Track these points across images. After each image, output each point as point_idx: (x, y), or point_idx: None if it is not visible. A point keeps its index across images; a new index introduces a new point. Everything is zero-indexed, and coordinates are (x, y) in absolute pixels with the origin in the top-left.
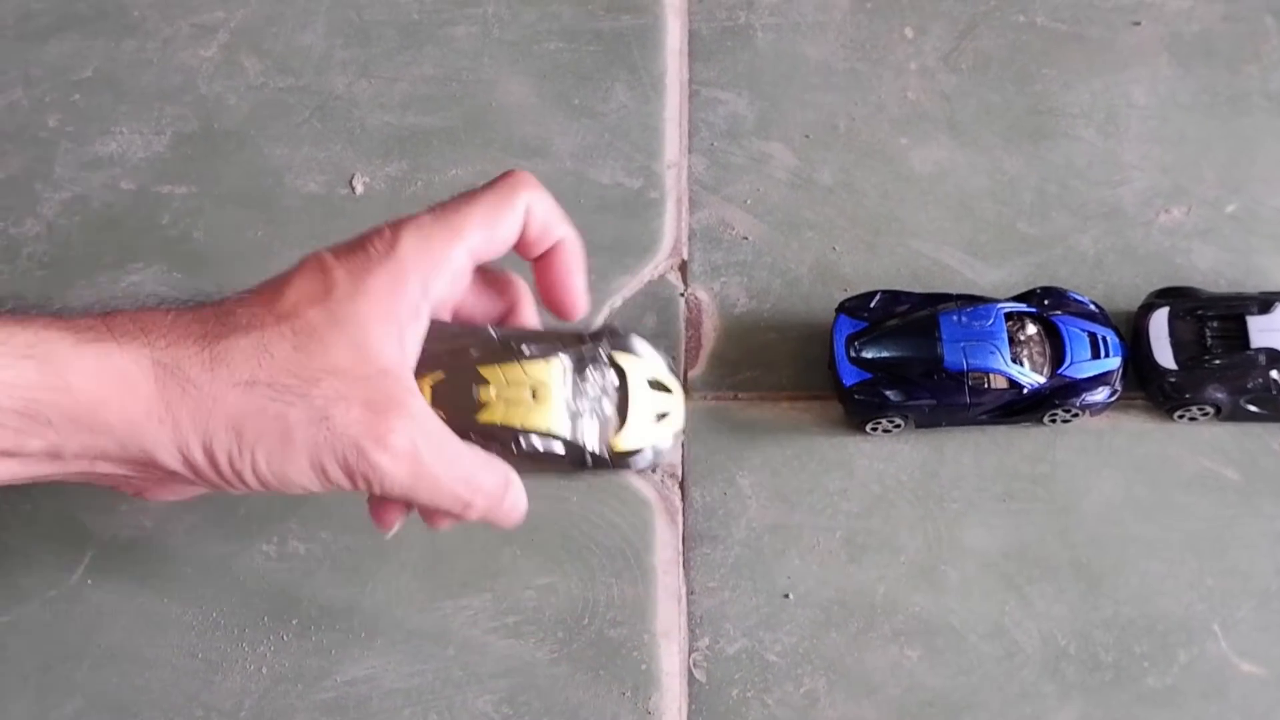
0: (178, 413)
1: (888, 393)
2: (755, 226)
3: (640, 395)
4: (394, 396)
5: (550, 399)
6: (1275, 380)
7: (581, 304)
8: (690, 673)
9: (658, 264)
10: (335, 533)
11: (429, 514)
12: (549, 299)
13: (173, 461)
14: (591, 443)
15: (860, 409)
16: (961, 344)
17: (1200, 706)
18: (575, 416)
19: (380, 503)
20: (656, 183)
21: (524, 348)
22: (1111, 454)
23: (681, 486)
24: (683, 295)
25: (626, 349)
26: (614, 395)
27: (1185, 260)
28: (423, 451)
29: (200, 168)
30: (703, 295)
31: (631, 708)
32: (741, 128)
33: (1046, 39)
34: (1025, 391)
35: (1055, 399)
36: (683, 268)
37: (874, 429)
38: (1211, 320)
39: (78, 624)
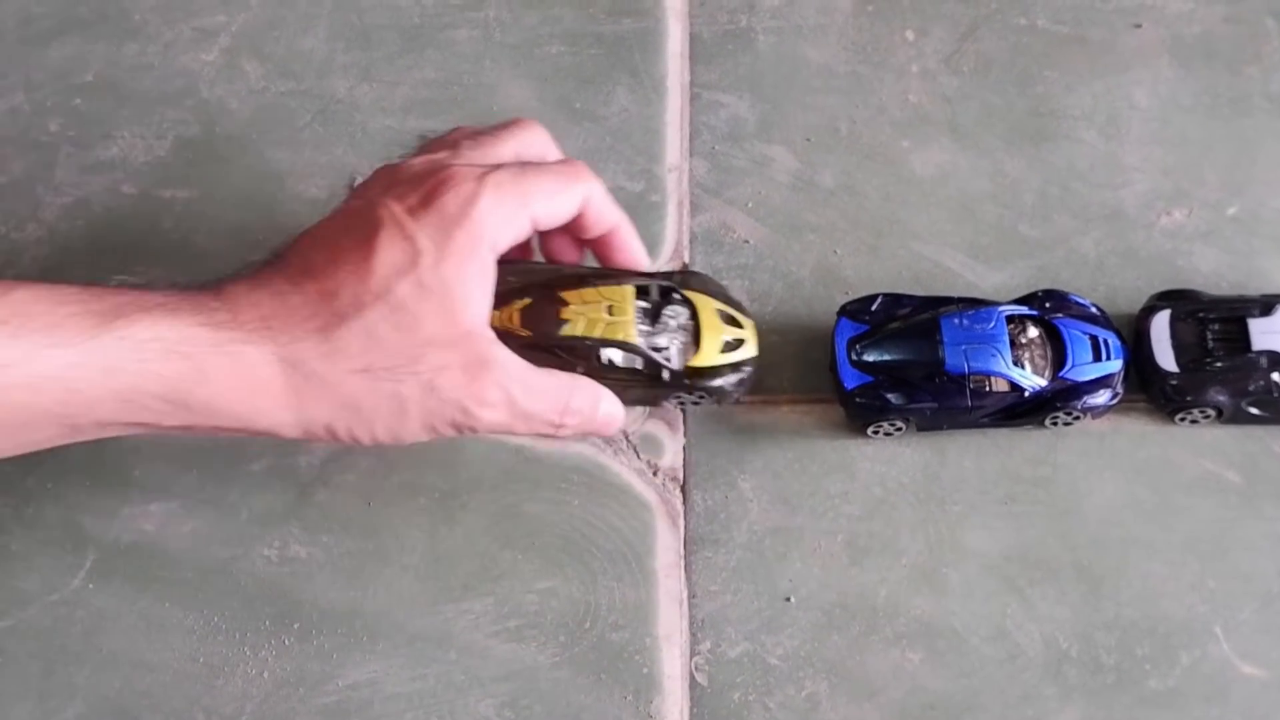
0: (303, 400)
1: (889, 396)
2: (756, 229)
3: (711, 323)
4: (483, 355)
5: (625, 314)
6: (1277, 383)
7: (643, 261)
8: (692, 676)
9: (659, 267)
10: (337, 536)
11: None
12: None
13: (294, 434)
14: (666, 358)
15: (862, 412)
16: (963, 347)
17: (1202, 709)
18: (650, 335)
19: None
20: (658, 186)
21: (598, 276)
22: (1113, 456)
23: (683, 490)
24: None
25: (697, 285)
26: (687, 323)
27: (1187, 262)
28: (516, 395)
29: (202, 172)
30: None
31: (633, 711)
32: (743, 131)
33: (1048, 41)
34: (1027, 394)
35: (1057, 402)
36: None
37: (875, 432)
38: (1213, 323)
39: (79, 628)
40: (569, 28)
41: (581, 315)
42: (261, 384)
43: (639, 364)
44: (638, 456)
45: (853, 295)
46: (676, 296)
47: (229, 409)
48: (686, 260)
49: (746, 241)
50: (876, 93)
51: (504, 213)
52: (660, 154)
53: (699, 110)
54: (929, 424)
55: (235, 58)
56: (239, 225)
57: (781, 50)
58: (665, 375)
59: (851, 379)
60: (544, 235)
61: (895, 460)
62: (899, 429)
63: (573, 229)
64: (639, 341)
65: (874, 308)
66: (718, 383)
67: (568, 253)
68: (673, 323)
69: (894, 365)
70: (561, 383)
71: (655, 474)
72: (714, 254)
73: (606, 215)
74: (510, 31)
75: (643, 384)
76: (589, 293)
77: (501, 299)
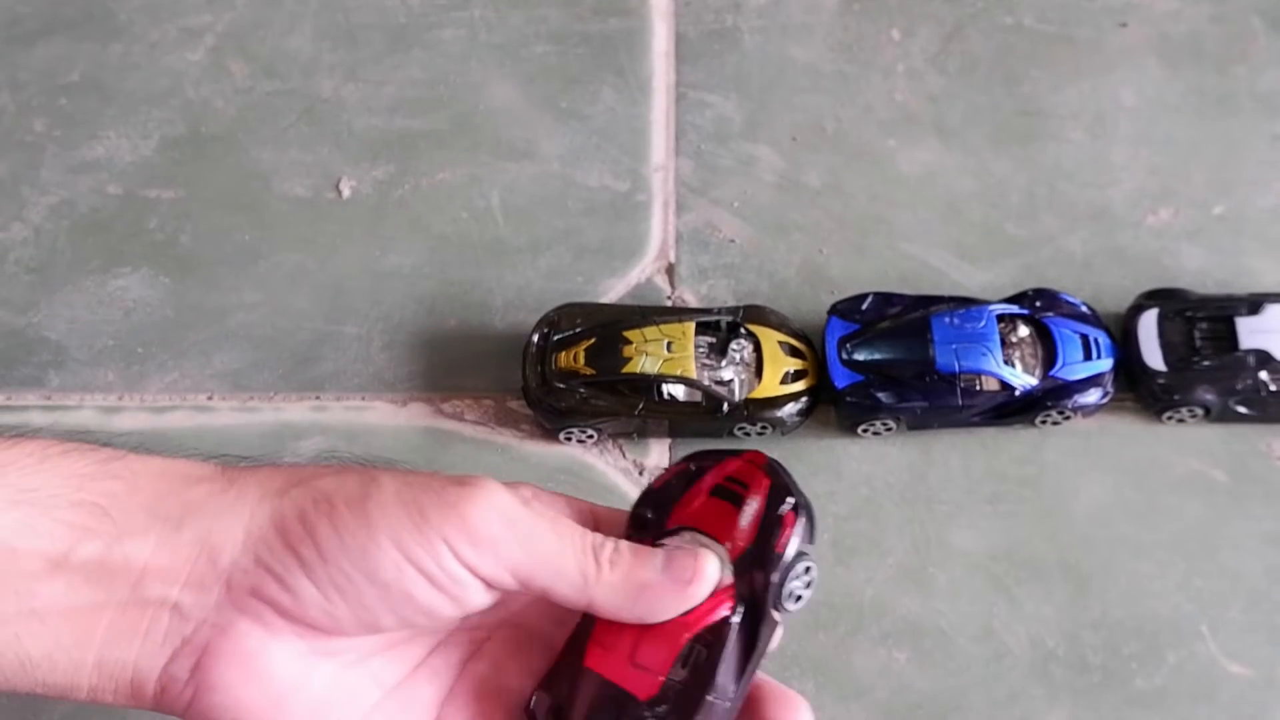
0: (243, 482)
1: (880, 395)
2: (742, 229)
3: (773, 355)
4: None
5: (686, 350)
6: (1264, 381)
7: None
8: None
9: (645, 267)
10: None
11: None
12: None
13: (236, 534)
14: (727, 391)
15: (852, 411)
16: (953, 346)
17: (1189, 708)
18: (714, 369)
19: None
20: (644, 185)
21: (660, 314)
22: (1100, 456)
23: None
24: (670, 299)
25: (761, 320)
26: (750, 357)
27: (1174, 261)
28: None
29: (187, 171)
30: (690, 298)
31: None
32: (729, 130)
33: (1034, 40)
34: (1017, 393)
35: (1047, 400)
36: (670, 270)
37: (865, 431)
38: (1201, 322)
39: None
40: (555, 27)
41: (643, 352)
42: None
43: (699, 397)
44: (624, 456)
45: (839, 295)
46: (742, 331)
47: None
48: (672, 259)
49: (732, 241)
50: (862, 92)
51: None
52: (646, 153)
53: (685, 110)
54: (920, 423)
55: (221, 57)
56: (224, 224)
57: (767, 50)
58: (725, 408)
59: (842, 378)
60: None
61: (882, 460)
62: (889, 428)
63: None
64: (699, 376)
65: (864, 307)
66: (778, 413)
67: None
68: (737, 356)
69: (885, 364)
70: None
71: (641, 473)
72: (700, 253)
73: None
74: (496, 31)
75: (704, 416)
76: (651, 330)
77: (568, 341)
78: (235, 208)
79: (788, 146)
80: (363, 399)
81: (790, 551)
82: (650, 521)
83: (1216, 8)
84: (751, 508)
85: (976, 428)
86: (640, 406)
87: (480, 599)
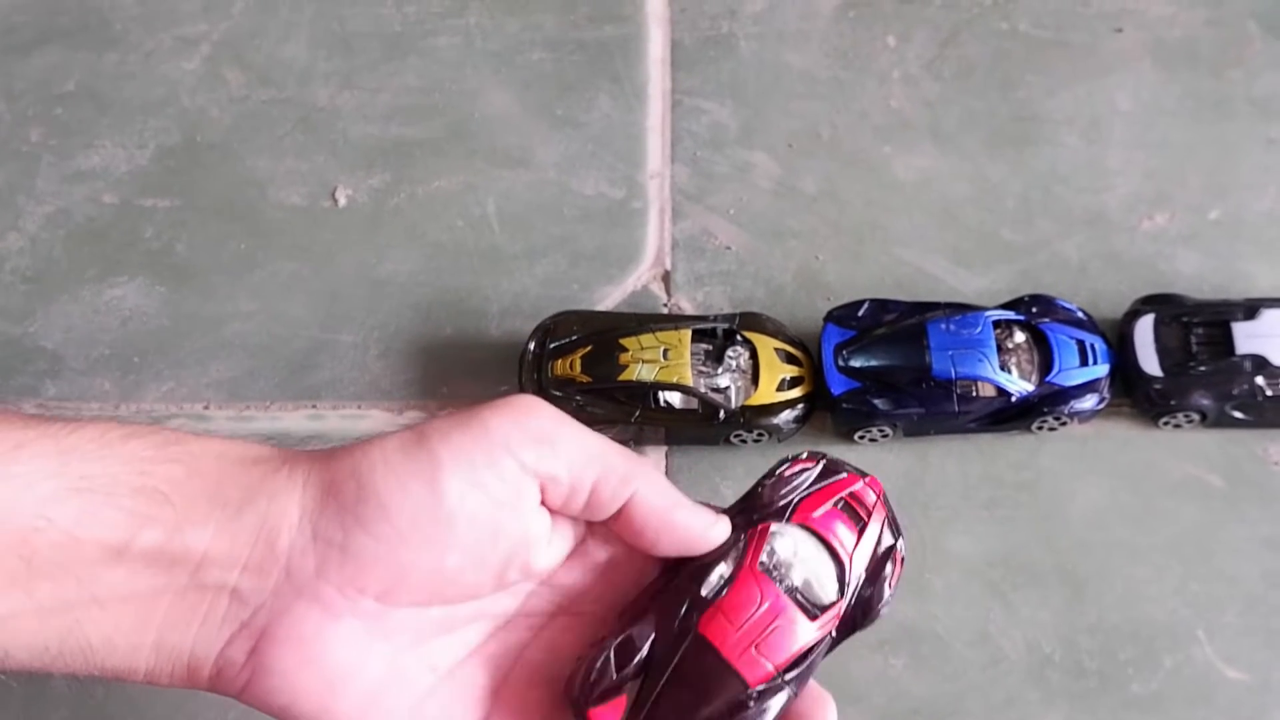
0: (296, 459)
1: (876, 401)
2: (738, 236)
3: (770, 362)
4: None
5: (682, 357)
6: (1260, 386)
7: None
8: None
9: (641, 274)
10: None
11: None
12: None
13: (293, 512)
14: (723, 398)
15: (848, 418)
16: (950, 352)
17: (1186, 712)
18: (711, 376)
19: None
20: (639, 192)
21: (656, 321)
22: (1096, 461)
23: None
24: (666, 306)
25: (757, 327)
26: (747, 364)
27: (1169, 266)
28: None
29: (183, 180)
30: (686, 305)
31: None
32: (724, 137)
33: (1029, 46)
34: (1014, 399)
35: (1044, 406)
36: (666, 278)
37: (862, 438)
38: (1197, 327)
39: None
40: (550, 34)
41: (639, 360)
42: None
43: (695, 404)
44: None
45: (835, 301)
46: (738, 338)
47: None
48: (668, 266)
49: (728, 248)
50: (858, 98)
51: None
52: (642, 160)
53: (680, 116)
54: (916, 429)
55: (217, 66)
56: (220, 233)
57: (763, 56)
58: (721, 415)
59: (838, 385)
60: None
61: (878, 466)
62: (885, 435)
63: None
64: (694, 383)
65: (860, 313)
66: (774, 420)
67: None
68: (734, 363)
69: (881, 371)
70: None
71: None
72: (696, 260)
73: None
74: (492, 38)
75: (700, 424)
76: (647, 338)
77: (565, 349)
78: (231, 216)
79: (784, 153)
80: (359, 407)
81: (895, 590)
82: (769, 505)
83: (1212, 12)
84: (872, 535)
85: (973, 434)
86: (636, 414)
87: (539, 522)
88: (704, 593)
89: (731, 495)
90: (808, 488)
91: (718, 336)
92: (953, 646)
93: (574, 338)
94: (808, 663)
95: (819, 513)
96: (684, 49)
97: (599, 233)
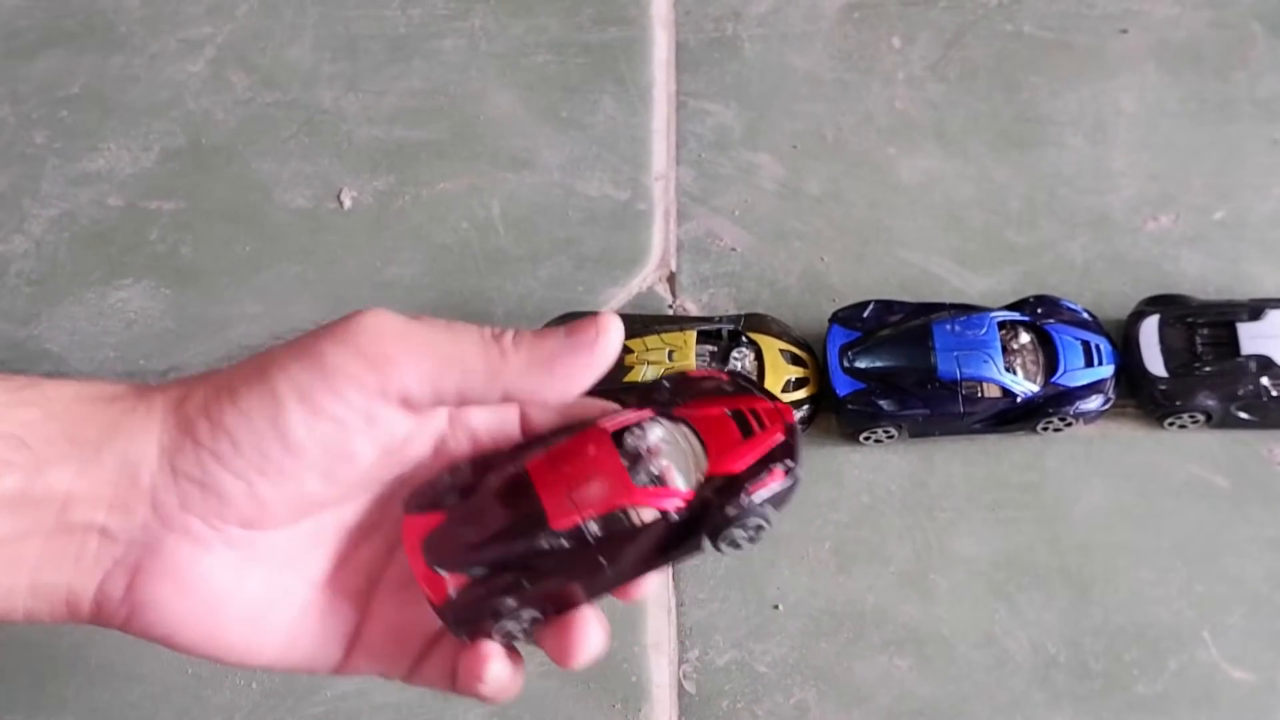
0: (151, 398)
1: (881, 402)
2: (743, 237)
3: (775, 363)
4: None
5: (687, 358)
6: (1266, 387)
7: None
8: (680, 684)
9: (646, 276)
10: None
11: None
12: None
13: (153, 455)
14: None
15: (854, 419)
16: (955, 353)
17: (1190, 714)
18: None
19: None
20: (644, 194)
21: (661, 323)
22: (1101, 462)
23: None
24: (671, 307)
25: (762, 328)
26: (751, 365)
27: (1174, 267)
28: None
29: (188, 183)
30: (691, 307)
31: (622, 719)
32: (729, 139)
33: (1034, 47)
34: (1019, 400)
35: (1049, 407)
36: (671, 279)
37: (867, 439)
38: (1202, 327)
39: (67, 640)
40: (555, 37)
41: (644, 361)
42: None
43: None
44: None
45: (840, 302)
46: (743, 339)
47: None
48: (673, 268)
49: (733, 249)
50: (863, 100)
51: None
52: (647, 162)
53: (685, 118)
54: (921, 430)
55: (221, 69)
56: (225, 236)
57: (768, 58)
58: None
59: (843, 386)
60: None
61: (883, 467)
62: (891, 436)
63: None
64: None
65: (866, 315)
66: None
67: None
68: (739, 365)
69: (886, 372)
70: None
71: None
72: (701, 262)
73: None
74: (496, 41)
75: None
76: (652, 339)
77: None
78: (236, 219)
79: (788, 154)
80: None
81: (758, 500)
82: (664, 397)
83: (1216, 13)
84: (754, 448)
85: (978, 435)
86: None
87: (400, 426)
88: (545, 439)
89: None
90: (708, 392)
91: (723, 338)
92: (958, 648)
93: None
94: (624, 531)
95: (704, 412)
96: (688, 51)
97: (604, 235)
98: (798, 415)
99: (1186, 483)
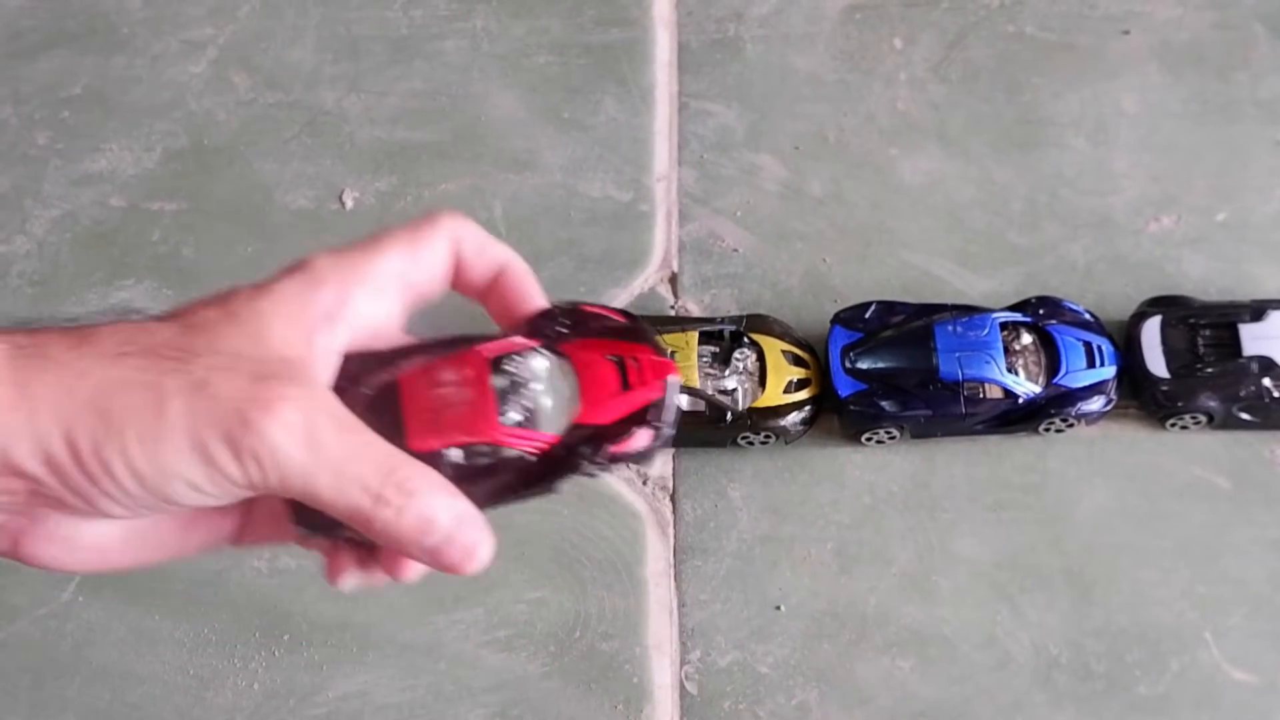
0: (35, 395)
1: (883, 403)
2: (745, 238)
3: (777, 364)
4: (291, 374)
5: (689, 360)
6: (1268, 388)
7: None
8: (682, 685)
9: (648, 277)
10: None
11: (391, 562)
12: (510, 321)
13: (32, 461)
14: (731, 400)
15: (856, 420)
16: (957, 354)
17: (1192, 715)
18: (718, 379)
19: (334, 553)
20: (646, 195)
21: (664, 324)
22: (1103, 463)
23: (672, 499)
24: (673, 308)
25: (764, 329)
26: (754, 366)
27: (1176, 269)
28: (321, 430)
29: (190, 184)
30: (693, 308)
31: None
32: (731, 140)
33: (1036, 48)
34: (1021, 401)
35: (1051, 408)
36: (673, 280)
37: (869, 439)
38: (1204, 328)
39: (69, 641)
40: (557, 38)
41: None
42: None
43: (703, 407)
44: (627, 466)
45: (842, 304)
46: (745, 340)
47: None
48: (675, 269)
49: (735, 250)
50: (865, 101)
51: (349, 268)
52: (649, 163)
53: (687, 119)
54: (923, 431)
55: (223, 70)
56: (227, 237)
57: (770, 59)
58: (729, 417)
59: (845, 387)
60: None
61: (885, 468)
62: (893, 437)
63: (457, 286)
64: (702, 385)
65: (867, 315)
66: (781, 422)
67: None
68: (741, 366)
69: (888, 373)
70: (398, 453)
71: (645, 483)
72: (703, 263)
73: (487, 256)
74: (498, 42)
75: (708, 426)
76: None
77: None
78: (238, 220)
79: (790, 156)
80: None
81: (619, 456)
82: (552, 329)
83: (1218, 15)
84: (628, 402)
85: (980, 435)
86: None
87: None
88: (428, 347)
89: (739, 499)
90: (599, 331)
91: (725, 339)
92: (960, 649)
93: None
94: (481, 464)
95: (588, 354)
96: (690, 52)
97: (606, 236)
98: (799, 416)
99: (1188, 484)
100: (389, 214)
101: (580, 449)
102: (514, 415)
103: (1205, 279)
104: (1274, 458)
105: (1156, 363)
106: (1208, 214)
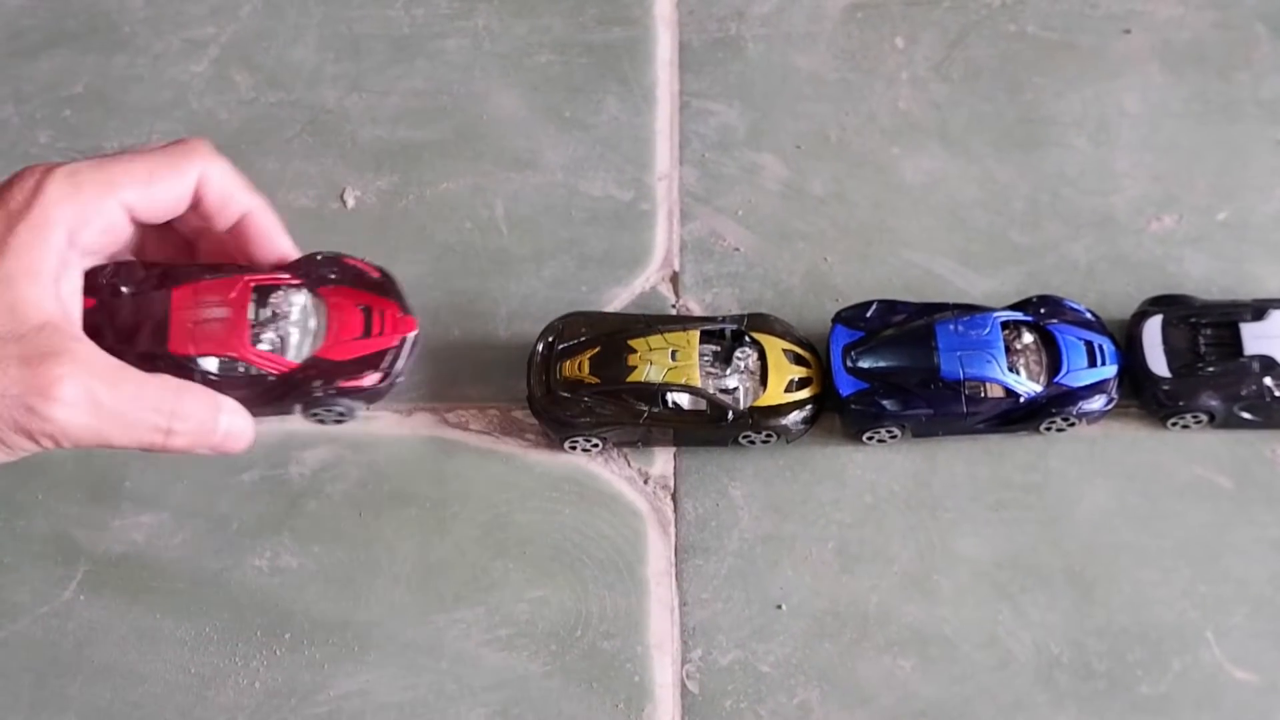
0: None
1: (885, 403)
2: (747, 237)
3: (778, 363)
4: (54, 347)
5: (690, 358)
6: (1269, 387)
7: (289, 253)
8: (683, 684)
9: (649, 276)
10: (327, 546)
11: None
12: (249, 262)
13: None
14: (732, 399)
15: (857, 419)
16: (958, 353)
17: (1194, 714)
18: (719, 378)
19: None
20: (648, 194)
21: (665, 323)
22: (1104, 462)
23: (673, 497)
24: (674, 307)
25: (765, 328)
26: (755, 365)
27: (1177, 268)
28: (98, 392)
29: None
30: (694, 307)
31: None
32: (732, 139)
33: (1037, 48)
34: (1022, 400)
35: (1052, 407)
36: (674, 279)
37: (870, 439)
38: (1205, 328)
39: (70, 640)
40: (558, 37)
41: (648, 361)
42: None
43: (704, 406)
44: (628, 464)
45: (843, 303)
46: (746, 339)
47: None
48: (677, 268)
49: (737, 249)
50: (866, 100)
51: (80, 204)
52: (650, 162)
53: (689, 118)
54: (924, 430)
55: (225, 68)
56: None
57: (771, 58)
58: (730, 416)
59: (847, 386)
60: (153, 232)
61: (886, 467)
62: (894, 436)
63: (199, 218)
64: (703, 384)
65: (869, 314)
66: (783, 421)
67: (176, 253)
68: (742, 365)
69: (889, 372)
70: (166, 385)
71: (646, 482)
72: (704, 262)
73: (234, 200)
74: (500, 41)
75: (709, 425)
76: (655, 339)
77: (573, 350)
78: None
79: (792, 155)
80: (368, 409)
81: (346, 390)
82: (315, 272)
83: (1220, 14)
84: (366, 347)
85: (981, 435)
86: (645, 415)
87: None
88: (205, 269)
89: (740, 498)
90: (354, 282)
91: (726, 338)
92: (961, 648)
93: (582, 339)
94: (227, 376)
95: (342, 299)
96: (692, 51)
97: (607, 234)
98: (800, 415)
99: (1190, 483)
100: (390, 212)
101: (314, 379)
102: (265, 338)
103: (1206, 278)
104: (1275, 457)
105: (1158, 362)
106: (1209, 213)
